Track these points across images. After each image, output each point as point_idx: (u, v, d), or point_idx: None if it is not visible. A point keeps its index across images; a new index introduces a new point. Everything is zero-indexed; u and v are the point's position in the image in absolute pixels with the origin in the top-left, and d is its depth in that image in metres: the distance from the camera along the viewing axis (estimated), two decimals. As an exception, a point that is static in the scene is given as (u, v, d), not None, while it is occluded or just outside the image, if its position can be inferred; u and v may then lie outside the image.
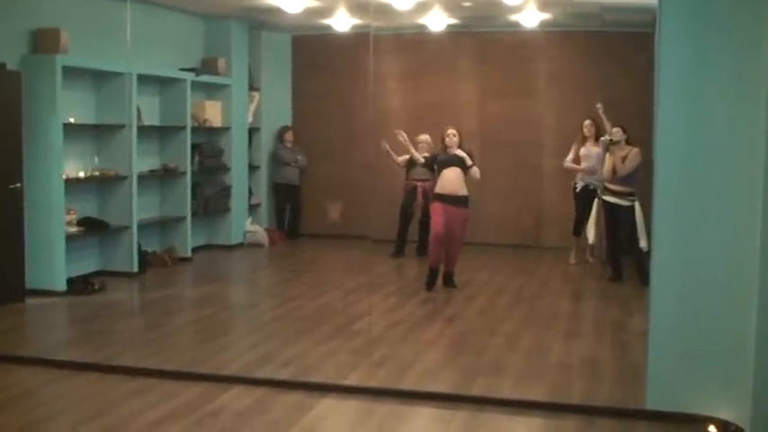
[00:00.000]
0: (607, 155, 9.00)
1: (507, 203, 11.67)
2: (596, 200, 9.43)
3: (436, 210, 8.59)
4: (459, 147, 8.62)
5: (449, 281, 8.76)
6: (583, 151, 9.93)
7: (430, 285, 8.58)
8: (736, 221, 4.64)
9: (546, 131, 11.48)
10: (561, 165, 10.21)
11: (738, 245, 4.62)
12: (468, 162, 8.54)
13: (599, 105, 9.49)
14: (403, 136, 9.24)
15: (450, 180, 8.52)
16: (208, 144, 11.01)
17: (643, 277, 8.10)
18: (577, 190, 10.04)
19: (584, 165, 9.91)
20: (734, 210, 4.66)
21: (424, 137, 10.30)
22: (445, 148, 8.71)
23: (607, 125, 9.29)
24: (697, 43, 4.72)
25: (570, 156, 10.05)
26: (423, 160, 9.28)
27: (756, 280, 4.36)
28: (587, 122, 9.94)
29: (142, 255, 9.45)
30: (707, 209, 4.75)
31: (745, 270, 4.52)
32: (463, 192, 8.56)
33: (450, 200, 8.49)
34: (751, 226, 4.43)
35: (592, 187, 9.75)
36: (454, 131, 8.70)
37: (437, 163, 8.76)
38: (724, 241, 4.72)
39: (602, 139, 9.11)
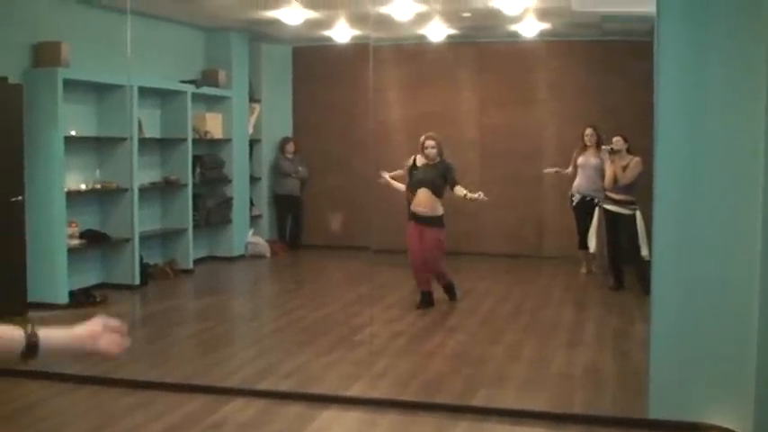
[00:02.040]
0: (608, 164, 9.00)
1: (507, 213, 11.66)
2: (597, 209, 9.42)
3: (411, 233, 8.22)
4: (440, 156, 8.12)
5: (450, 293, 8.56)
6: (581, 161, 9.82)
7: (425, 305, 8.27)
8: (737, 229, 4.65)
9: (546, 141, 11.49)
10: (561, 174, 10.16)
11: (739, 253, 4.63)
12: (443, 184, 8.08)
13: (605, 147, 9.15)
14: (385, 177, 8.80)
15: (425, 199, 8.08)
16: (209, 156, 11.03)
17: (644, 286, 8.07)
18: (574, 203, 9.99)
19: (580, 176, 9.82)
20: (734, 218, 4.67)
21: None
22: (426, 160, 8.17)
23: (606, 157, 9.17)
24: (695, 51, 4.74)
25: (570, 167, 10.01)
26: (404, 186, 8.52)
27: (757, 288, 4.37)
28: (588, 131, 9.86)
29: (144, 267, 9.46)
30: (707, 217, 4.76)
31: (745, 278, 4.52)
32: (437, 212, 8.12)
33: (424, 220, 8.09)
34: (751, 234, 4.44)
35: (588, 198, 9.74)
36: (433, 143, 8.10)
37: (412, 180, 8.22)
38: (724, 249, 4.72)
39: (603, 147, 9.10)
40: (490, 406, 5.29)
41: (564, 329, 7.52)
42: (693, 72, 4.76)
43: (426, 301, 8.28)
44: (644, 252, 8.59)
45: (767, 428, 4.34)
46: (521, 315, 8.09)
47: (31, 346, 1.96)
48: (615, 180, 8.86)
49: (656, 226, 4.96)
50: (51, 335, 1.99)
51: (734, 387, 4.66)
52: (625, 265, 9.09)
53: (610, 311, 8.19)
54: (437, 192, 8.08)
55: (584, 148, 9.89)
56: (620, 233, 8.95)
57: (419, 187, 8.07)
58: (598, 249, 9.60)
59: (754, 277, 4.40)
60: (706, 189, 4.77)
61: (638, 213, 8.78)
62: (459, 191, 8.03)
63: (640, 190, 8.60)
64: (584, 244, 9.99)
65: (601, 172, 9.54)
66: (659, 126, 4.86)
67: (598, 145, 9.67)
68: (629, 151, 8.88)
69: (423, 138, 8.19)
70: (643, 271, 8.37)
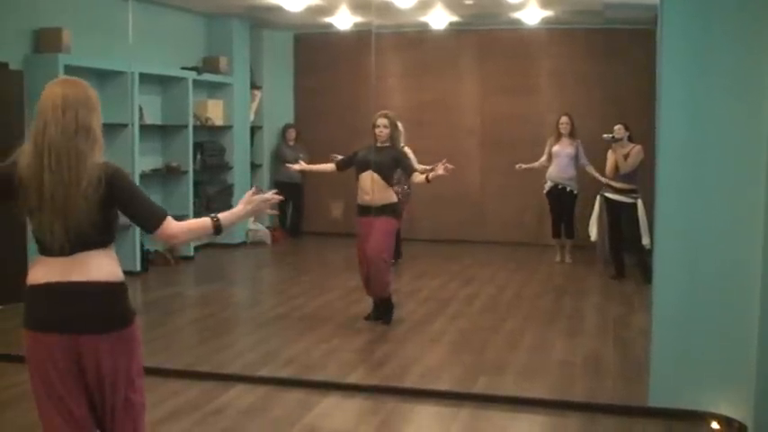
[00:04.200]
0: (609, 152, 9.00)
1: (509, 201, 11.68)
2: (598, 197, 9.42)
3: (359, 233, 7.08)
4: (391, 139, 7.00)
5: (384, 311, 7.15)
6: (555, 149, 9.94)
7: (375, 317, 7.17)
8: (738, 217, 4.64)
9: (548, 129, 11.42)
10: (535, 169, 10.18)
11: (740, 241, 4.62)
12: (393, 169, 7.03)
13: (606, 136, 8.92)
14: (298, 166, 7.61)
15: (369, 184, 6.88)
16: (210, 143, 11.02)
17: (645, 274, 8.10)
18: (545, 190, 10.12)
19: (553, 164, 9.93)
20: (736, 205, 4.66)
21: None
22: (375, 140, 7.03)
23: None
24: (698, 39, 4.72)
25: (544, 155, 10.07)
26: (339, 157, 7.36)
27: (758, 276, 4.36)
28: (564, 119, 9.97)
29: (145, 254, 9.46)
30: (709, 205, 4.75)
31: (747, 266, 4.52)
32: (388, 200, 6.95)
33: (370, 210, 6.90)
34: (753, 221, 4.43)
35: (561, 186, 9.91)
36: (385, 122, 6.97)
37: (355, 163, 7.07)
38: (726, 237, 4.71)
39: (604, 136, 9.07)
40: (490, 393, 5.30)
41: (564, 317, 7.53)
42: (696, 58, 4.73)
43: (383, 310, 7.16)
44: (645, 241, 8.61)
45: (767, 417, 4.35)
46: (522, 303, 8.10)
47: (217, 228, 3.12)
48: (616, 168, 8.86)
49: (657, 214, 4.96)
50: (228, 217, 3.15)
51: (734, 375, 4.66)
52: (626, 254, 9.10)
53: (610, 300, 8.20)
54: (385, 176, 6.91)
55: (559, 136, 9.96)
56: (621, 222, 8.95)
57: (362, 170, 6.92)
58: (599, 238, 9.61)
59: (756, 266, 4.39)
60: (708, 177, 4.75)
61: (639, 202, 8.79)
62: (419, 176, 6.91)
63: (642, 178, 8.60)
64: (557, 233, 10.14)
65: (574, 161, 9.82)
66: (662, 113, 4.85)
67: (572, 134, 9.80)
68: (630, 139, 8.88)
69: (375, 115, 7.10)
70: (644, 259, 8.41)
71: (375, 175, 6.86)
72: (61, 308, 2.98)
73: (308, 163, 11.84)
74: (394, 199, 7.05)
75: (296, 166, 7.55)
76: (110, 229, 3.05)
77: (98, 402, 3.03)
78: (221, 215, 3.14)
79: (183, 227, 3.10)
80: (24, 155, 2.98)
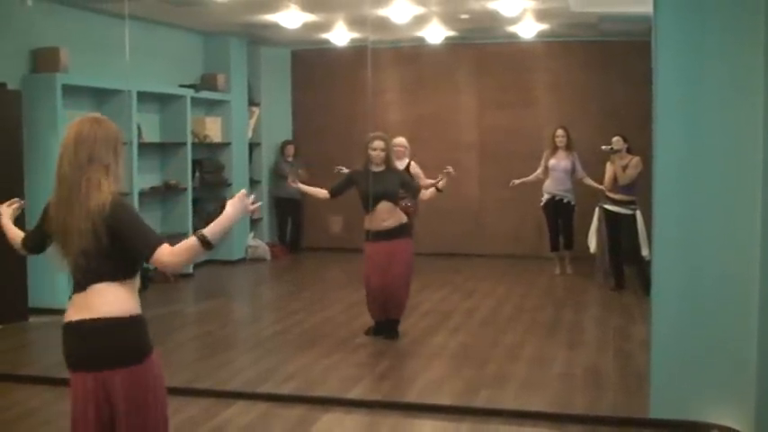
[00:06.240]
0: (608, 163, 9.01)
1: (507, 214, 11.68)
2: (597, 209, 9.43)
3: (369, 254, 6.98)
4: (387, 160, 6.95)
5: (390, 330, 7.17)
6: (551, 162, 9.98)
7: (377, 332, 7.17)
8: (736, 228, 4.65)
9: (545, 142, 11.45)
10: (528, 183, 10.19)
11: (739, 251, 4.63)
12: (398, 191, 7.02)
13: (605, 147, 8.92)
14: (297, 185, 7.40)
15: (387, 212, 6.89)
16: (208, 160, 11.04)
17: (645, 286, 8.09)
18: (542, 203, 10.14)
19: (550, 177, 9.98)
20: (734, 216, 4.67)
21: (400, 139, 8.84)
22: (370, 161, 6.95)
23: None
24: (692, 50, 4.74)
25: (540, 168, 10.10)
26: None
27: (757, 286, 4.37)
28: (560, 132, 10.01)
29: (144, 271, 9.42)
30: (707, 216, 4.76)
31: (746, 276, 4.52)
32: (400, 221, 6.97)
33: (392, 233, 6.90)
34: (751, 232, 4.44)
35: (558, 198, 9.96)
36: (382, 145, 6.91)
37: (360, 191, 6.99)
38: (724, 248, 4.72)
39: (603, 147, 9.08)
40: (492, 407, 5.29)
41: (564, 330, 7.52)
42: (691, 69, 4.76)
43: (391, 327, 7.17)
44: (644, 252, 8.61)
45: (768, 427, 4.35)
46: (522, 315, 8.09)
47: (206, 244, 2.96)
48: (615, 180, 8.87)
49: (655, 225, 4.96)
50: (214, 229, 2.98)
51: (735, 386, 4.66)
52: (625, 265, 9.10)
53: (610, 311, 8.19)
54: (396, 201, 6.97)
55: (555, 149, 10.00)
56: (621, 233, 8.95)
57: (377, 201, 6.87)
58: (599, 249, 9.60)
59: (754, 276, 4.40)
60: (705, 187, 4.77)
61: (638, 213, 8.79)
62: (427, 193, 7.06)
63: (640, 190, 8.60)
64: (555, 246, 10.16)
65: (570, 173, 9.89)
66: (658, 124, 4.87)
67: (568, 146, 9.87)
68: (628, 151, 8.89)
69: (370, 137, 7.04)
70: (643, 271, 8.40)
71: (388, 204, 6.88)
72: (77, 347, 3.12)
73: (309, 179, 11.95)
74: (405, 219, 7.06)
75: (292, 184, 7.40)
76: (125, 261, 3.09)
77: None
78: (206, 229, 3.00)
79: (174, 251, 3.01)
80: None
